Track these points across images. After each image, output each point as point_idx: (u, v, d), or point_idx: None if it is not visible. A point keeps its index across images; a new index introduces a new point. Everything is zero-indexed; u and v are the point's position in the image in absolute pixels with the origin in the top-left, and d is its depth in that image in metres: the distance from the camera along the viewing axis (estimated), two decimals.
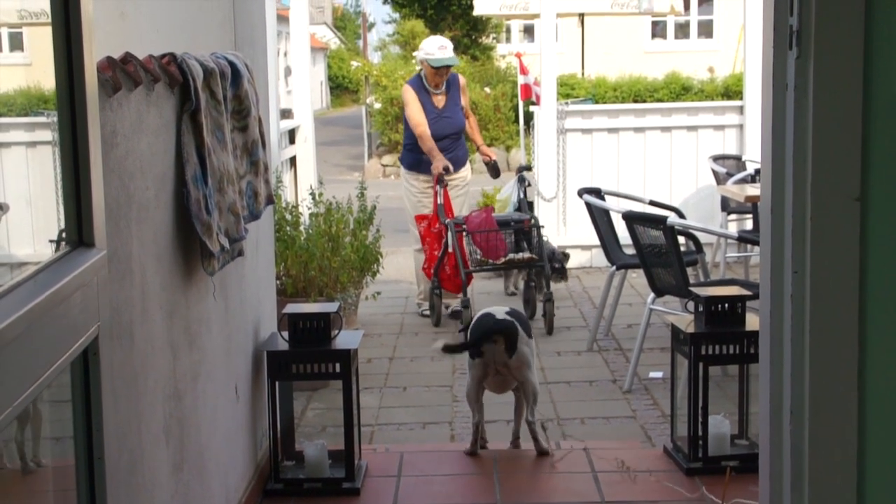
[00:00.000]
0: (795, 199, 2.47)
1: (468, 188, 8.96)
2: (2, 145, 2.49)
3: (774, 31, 2.49)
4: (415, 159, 8.66)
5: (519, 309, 5.56)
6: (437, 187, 8.38)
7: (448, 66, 8.62)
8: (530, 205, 9.11)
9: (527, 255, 8.15)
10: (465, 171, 8.88)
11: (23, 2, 2.57)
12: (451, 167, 8.36)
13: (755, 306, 4.66)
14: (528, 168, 9.71)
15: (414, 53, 8.11)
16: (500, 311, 5.17)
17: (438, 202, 8.38)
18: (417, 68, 8.87)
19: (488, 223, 8.14)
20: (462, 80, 9.04)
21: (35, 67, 2.58)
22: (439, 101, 8.72)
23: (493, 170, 8.97)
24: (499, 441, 5.33)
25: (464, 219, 8.30)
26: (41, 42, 2.38)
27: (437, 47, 8.60)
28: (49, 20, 2.27)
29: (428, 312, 8.44)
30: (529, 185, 9.35)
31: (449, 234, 8.17)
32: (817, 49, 2.41)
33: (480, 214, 8.25)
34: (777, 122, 2.50)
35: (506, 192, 9.49)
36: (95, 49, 2.41)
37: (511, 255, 8.12)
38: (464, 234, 8.15)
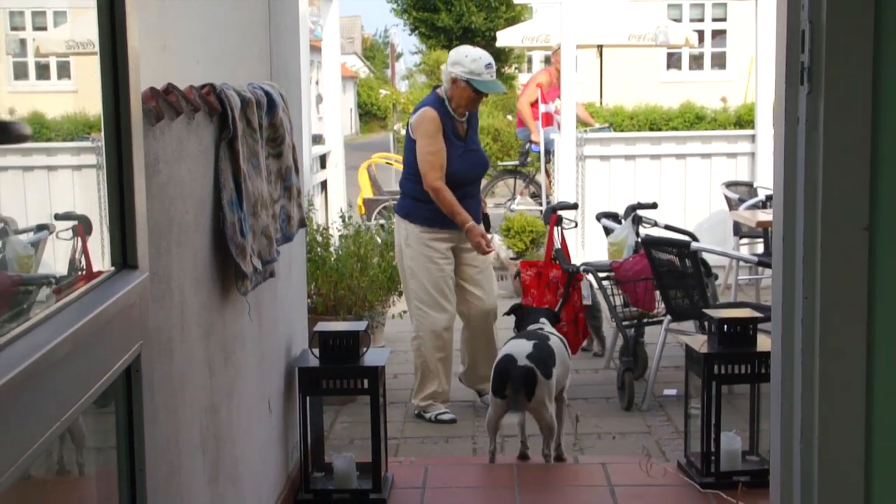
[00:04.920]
0: (806, 227, 2.47)
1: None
2: (50, 168, 2.50)
3: (786, 68, 2.49)
4: (433, 212, 6.11)
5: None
6: (556, 228, 6.98)
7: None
8: None
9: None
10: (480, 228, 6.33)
11: (72, 33, 2.59)
12: (490, 242, 6.17)
13: (766, 328, 4.66)
14: (651, 205, 7.79)
15: (443, 67, 6.51)
16: (521, 354, 5.10)
17: (556, 246, 7.00)
18: (445, 81, 6.26)
19: (648, 270, 6.63)
20: None
21: (81, 94, 2.60)
22: (462, 128, 6.25)
23: (484, 224, 6.45)
24: (514, 454, 5.33)
25: (611, 265, 6.90)
26: (87, 70, 2.40)
27: (484, 65, 6.13)
28: (94, 50, 2.29)
29: (444, 417, 6.25)
30: (655, 224, 7.66)
31: (592, 282, 6.89)
32: (827, 85, 2.41)
33: (640, 260, 6.76)
34: (789, 155, 2.51)
35: (619, 235, 7.58)
36: (140, 80, 2.43)
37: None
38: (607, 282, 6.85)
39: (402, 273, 6.40)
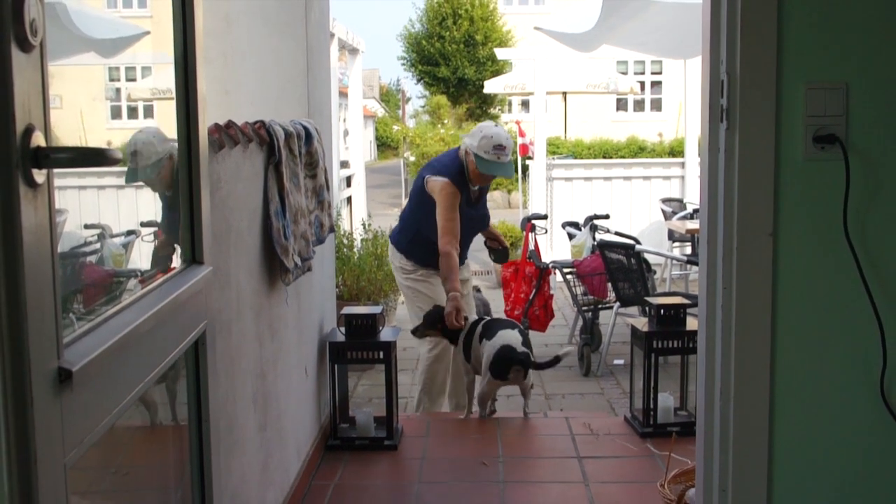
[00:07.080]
0: (725, 233, 2.47)
1: (470, 283, 5.62)
2: (138, 186, 2.51)
3: (710, 109, 2.50)
4: (424, 254, 5.27)
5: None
6: (531, 234, 6.97)
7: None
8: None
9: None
10: (469, 270, 5.62)
11: (154, 82, 2.59)
12: (467, 317, 5.08)
13: (694, 312, 4.67)
14: (605, 216, 7.85)
15: (462, 138, 5.21)
16: (516, 342, 4.93)
17: (530, 248, 6.97)
18: (462, 150, 5.12)
19: (602, 267, 6.74)
20: None
21: (161, 130, 2.60)
22: (474, 195, 5.21)
23: (502, 255, 5.73)
24: (503, 411, 5.33)
25: (573, 263, 6.96)
26: (167, 111, 2.40)
27: (492, 146, 4.94)
28: (172, 95, 2.30)
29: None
30: (608, 231, 7.76)
31: (558, 276, 6.81)
32: (741, 123, 2.42)
33: (595, 259, 6.85)
34: (711, 177, 2.51)
35: (580, 239, 7.65)
36: (207, 118, 2.43)
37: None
38: (570, 276, 6.94)
39: (400, 287, 5.53)
